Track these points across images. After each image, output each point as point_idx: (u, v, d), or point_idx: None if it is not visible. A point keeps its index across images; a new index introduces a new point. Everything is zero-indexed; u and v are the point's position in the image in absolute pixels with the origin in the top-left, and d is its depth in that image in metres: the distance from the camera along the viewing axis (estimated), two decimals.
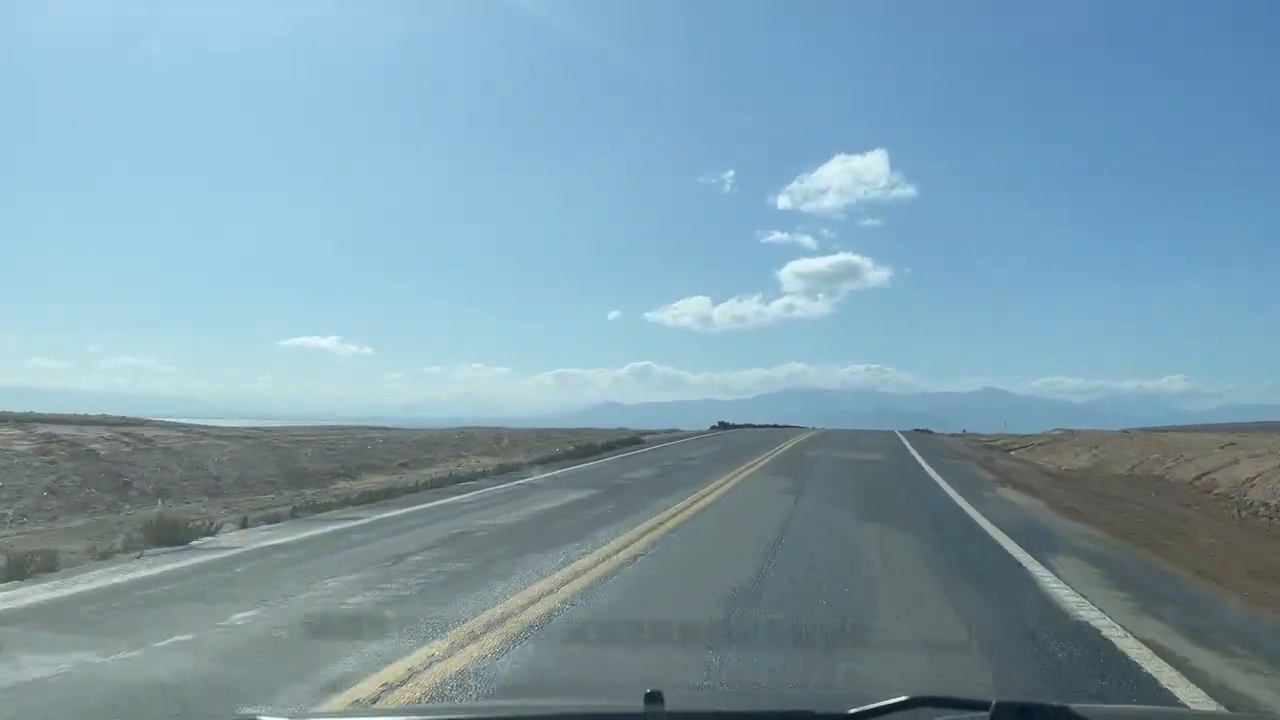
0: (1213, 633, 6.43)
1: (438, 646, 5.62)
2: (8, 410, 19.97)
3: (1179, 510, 14.68)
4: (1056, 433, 37.31)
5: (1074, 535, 11.26)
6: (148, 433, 18.51)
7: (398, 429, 32.95)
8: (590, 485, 16.53)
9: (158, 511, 11.31)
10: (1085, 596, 7.42)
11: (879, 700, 2.11)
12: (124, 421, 21.32)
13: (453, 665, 5.26)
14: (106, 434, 17.45)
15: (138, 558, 9.07)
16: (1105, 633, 6.25)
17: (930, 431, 53.61)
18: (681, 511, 12.51)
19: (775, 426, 56.39)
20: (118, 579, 7.92)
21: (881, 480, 19.01)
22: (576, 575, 7.92)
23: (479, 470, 19.53)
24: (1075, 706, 2.11)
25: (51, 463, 14.60)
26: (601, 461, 23.43)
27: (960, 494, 15.84)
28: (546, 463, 22.43)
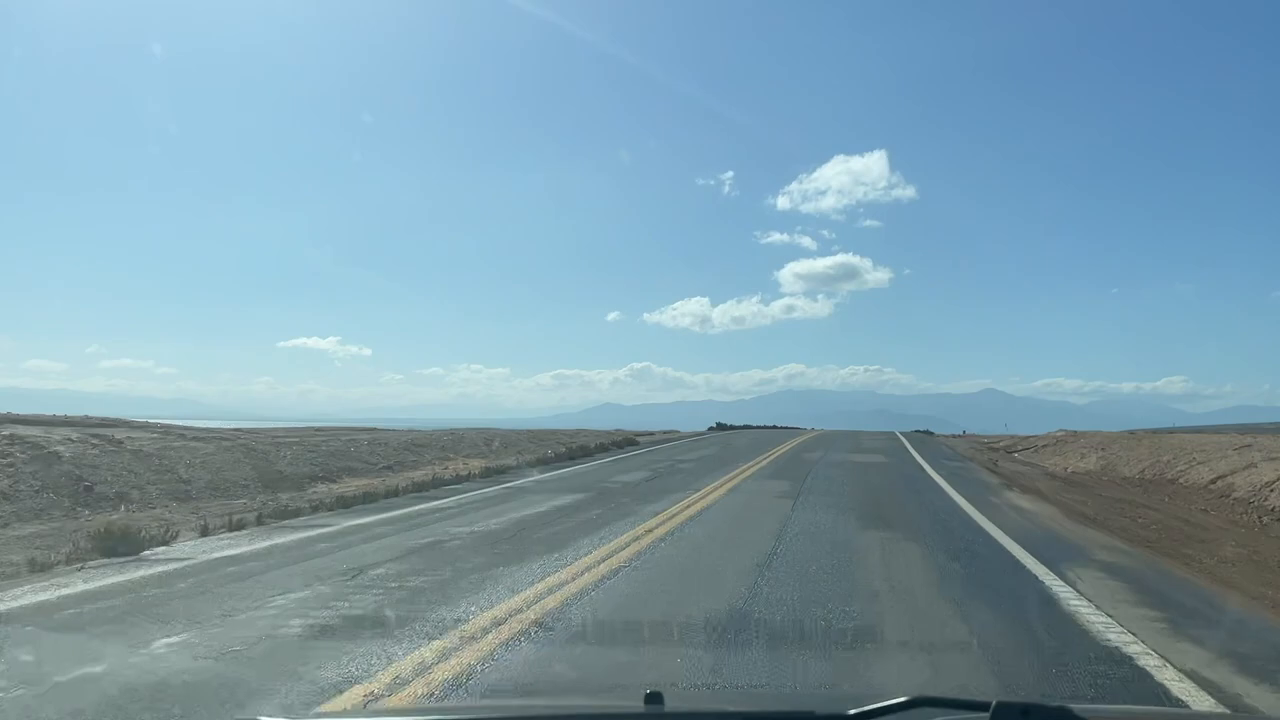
0: (1259, 660, 5.71)
1: (380, 681, 4.91)
2: None
3: (1197, 516, 13.95)
4: (1060, 434, 36.57)
5: (1090, 544, 10.53)
6: (119, 434, 17.76)
7: (387, 430, 32.22)
8: (578, 489, 15.81)
9: (108, 519, 10.58)
10: (1112, 616, 6.70)
11: (879, 700, 2.14)
12: (97, 422, 20.58)
13: (394, 704, 4.55)
14: (74, 435, 16.70)
15: (78, 570, 8.36)
16: (1140, 661, 5.54)
17: (931, 433, 52.89)
18: (671, 519, 11.79)
19: (774, 428, 55.65)
20: (46, 595, 7.20)
21: (884, 484, 18.27)
22: (550, 591, 7.20)
23: (464, 473, 18.80)
24: (1075, 706, 2.13)
25: (9, 465, 13.85)
26: (593, 464, 22.70)
27: (967, 499, 15.11)
28: (536, 465, 21.71)
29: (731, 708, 2.90)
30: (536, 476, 18.71)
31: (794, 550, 9.45)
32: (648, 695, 2.24)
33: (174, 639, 5.78)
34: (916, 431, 53.18)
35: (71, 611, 6.62)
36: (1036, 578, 8.27)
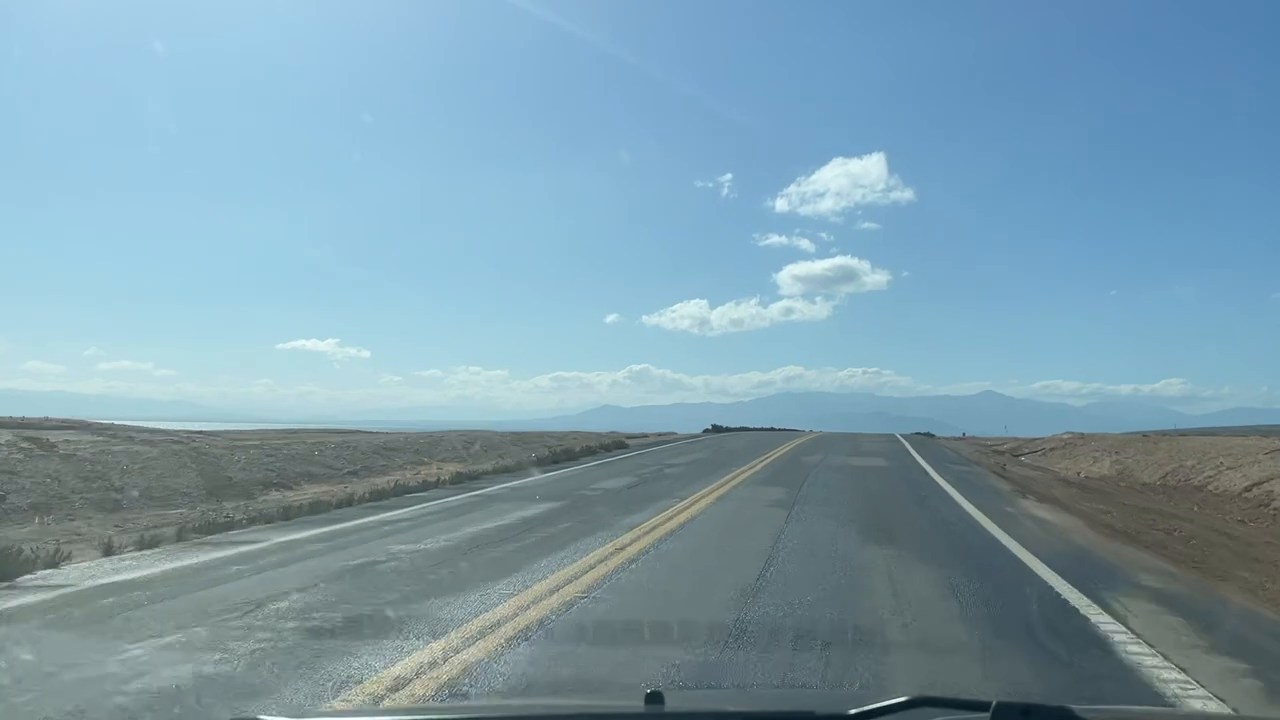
0: None
1: None
2: None
3: (1236, 528, 12.55)
4: (1068, 437, 35.17)
5: (1128, 564, 9.12)
6: (53, 437, 16.35)
7: (364, 432, 30.82)
8: (552, 497, 14.38)
9: None
10: (1185, 671, 5.29)
11: (880, 700, 2.11)
12: (36, 423, 19.15)
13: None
14: (3, 438, 15.28)
15: None
16: None
17: (932, 435, 51.51)
18: (649, 533, 10.37)
19: (771, 430, 54.22)
20: None
21: (887, 491, 16.85)
22: (481, 635, 5.79)
23: (434, 479, 17.37)
24: (1075, 707, 2.07)
25: None
26: (576, 468, 21.26)
27: (979, 508, 13.70)
28: (515, 470, 20.27)
29: (731, 707, 2.80)
30: (511, 483, 17.28)
31: (786, 574, 8.03)
32: (648, 695, 2.20)
33: None
34: (917, 433, 51.78)
35: None
36: (1077, 611, 6.86)
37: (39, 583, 7.73)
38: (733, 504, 13.90)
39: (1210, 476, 17.06)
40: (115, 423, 27.17)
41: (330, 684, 4.79)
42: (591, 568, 8.21)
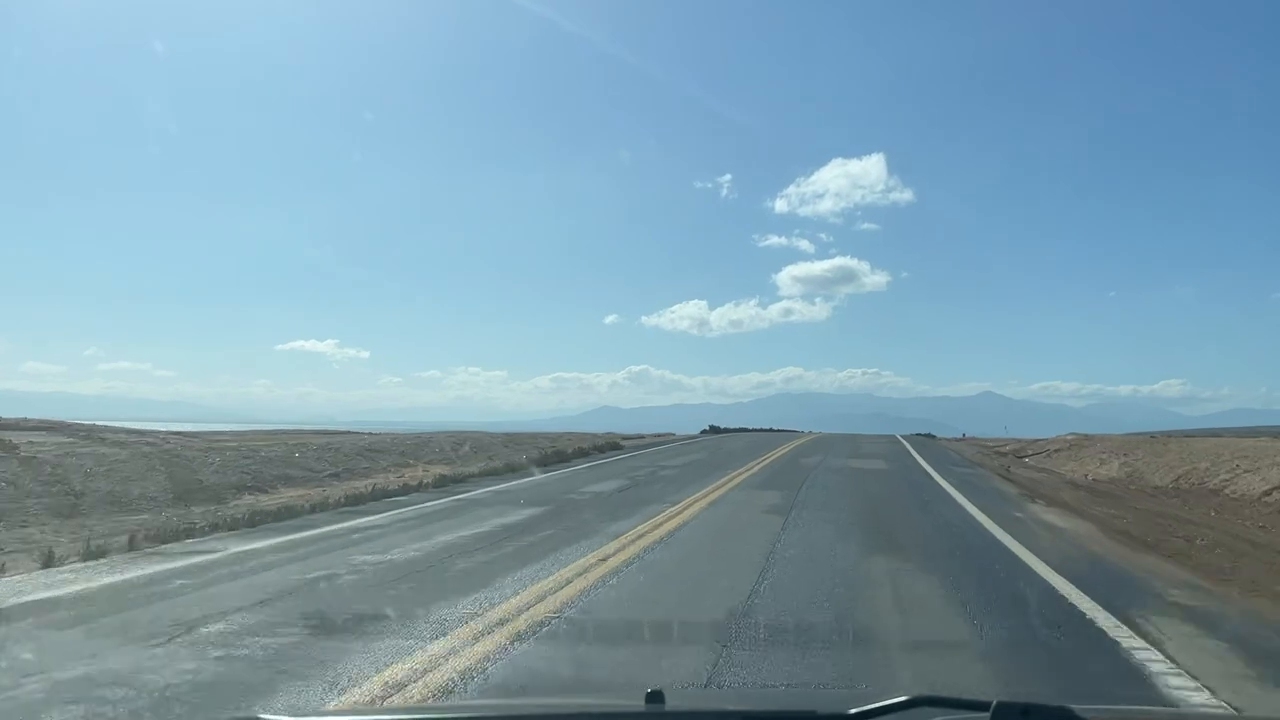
0: None
1: None
2: None
3: (1259, 534, 11.84)
4: (1072, 438, 34.44)
5: (1154, 577, 8.40)
6: (18, 438, 15.63)
7: (353, 433, 30.10)
8: (537, 502, 13.66)
9: None
10: (1240, 711, 4.59)
11: (880, 700, 2.14)
12: (12, 424, 18.43)
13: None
14: None
15: None
16: None
17: (933, 436, 50.81)
18: (635, 541, 9.67)
19: (770, 430, 53.50)
20: None
21: (889, 495, 16.14)
22: (434, 666, 5.08)
23: (416, 483, 16.65)
24: (1075, 707, 2.11)
25: None
26: (566, 471, 20.54)
27: (986, 513, 12.99)
28: (503, 473, 19.55)
29: (732, 707, 2.79)
30: (497, 486, 16.55)
31: (782, 589, 7.32)
32: (649, 694, 2.21)
33: None
34: (917, 434, 51.08)
35: None
36: (1104, 633, 6.14)
37: None
38: (728, 508, 13.19)
39: (1227, 480, 16.34)
40: (99, 424, 26.45)
41: None
42: (570, 581, 7.51)
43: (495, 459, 22.65)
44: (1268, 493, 14.60)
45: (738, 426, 55.97)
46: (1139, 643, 5.85)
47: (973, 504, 14.24)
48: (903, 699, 2.13)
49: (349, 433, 30.56)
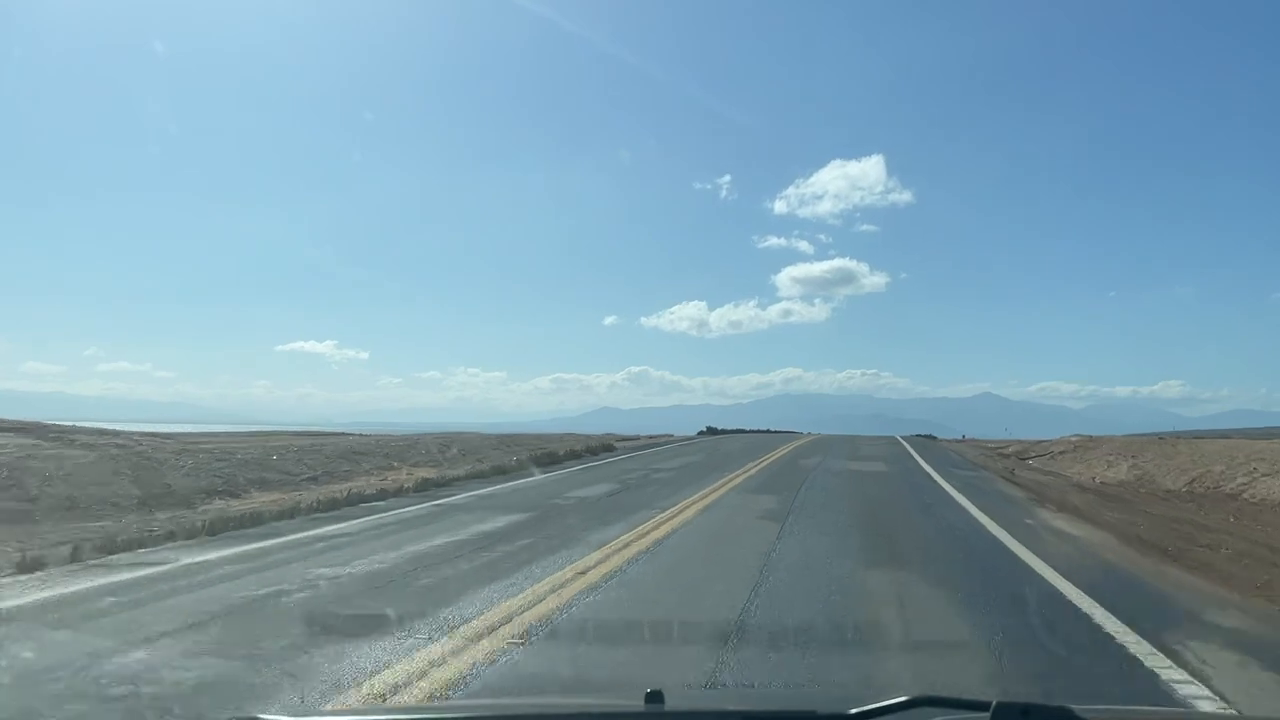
0: None
1: None
2: None
3: None
4: (1076, 439, 33.75)
5: (1185, 594, 7.69)
6: None
7: (339, 435, 29.39)
8: (521, 508, 12.95)
9: None
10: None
11: (880, 700, 2.14)
12: None
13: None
14: None
15: None
16: None
17: (934, 437, 50.11)
18: (619, 552, 8.96)
19: (768, 432, 52.80)
20: None
21: (890, 499, 15.43)
22: (377, 700, 4.37)
23: (396, 487, 15.93)
24: (1076, 707, 2.10)
25: None
26: (555, 474, 19.82)
27: (993, 519, 12.28)
28: (491, 476, 18.83)
29: (732, 706, 2.76)
30: (481, 490, 15.84)
31: (775, 608, 6.60)
32: (648, 694, 2.22)
33: None
34: (918, 436, 50.39)
35: None
36: (1139, 661, 5.43)
37: None
38: (722, 514, 12.48)
39: (1244, 484, 15.64)
40: (77, 424, 25.66)
41: None
42: (542, 599, 6.81)
43: (484, 461, 21.93)
44: None
45: (736, 428, 55.27)
46: (1181, 675, 5.14)
47: (978, 509, 13.52)
48: (903, 699, 2.13)
49: (336, 434, 29.84)
